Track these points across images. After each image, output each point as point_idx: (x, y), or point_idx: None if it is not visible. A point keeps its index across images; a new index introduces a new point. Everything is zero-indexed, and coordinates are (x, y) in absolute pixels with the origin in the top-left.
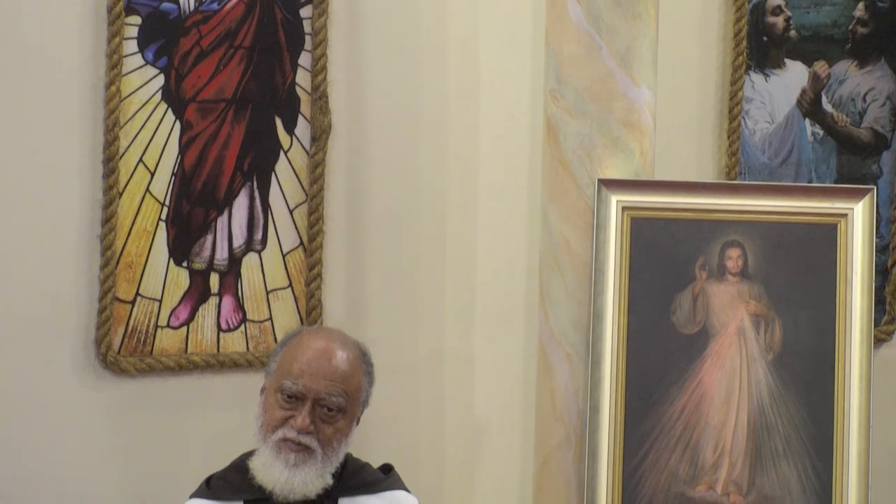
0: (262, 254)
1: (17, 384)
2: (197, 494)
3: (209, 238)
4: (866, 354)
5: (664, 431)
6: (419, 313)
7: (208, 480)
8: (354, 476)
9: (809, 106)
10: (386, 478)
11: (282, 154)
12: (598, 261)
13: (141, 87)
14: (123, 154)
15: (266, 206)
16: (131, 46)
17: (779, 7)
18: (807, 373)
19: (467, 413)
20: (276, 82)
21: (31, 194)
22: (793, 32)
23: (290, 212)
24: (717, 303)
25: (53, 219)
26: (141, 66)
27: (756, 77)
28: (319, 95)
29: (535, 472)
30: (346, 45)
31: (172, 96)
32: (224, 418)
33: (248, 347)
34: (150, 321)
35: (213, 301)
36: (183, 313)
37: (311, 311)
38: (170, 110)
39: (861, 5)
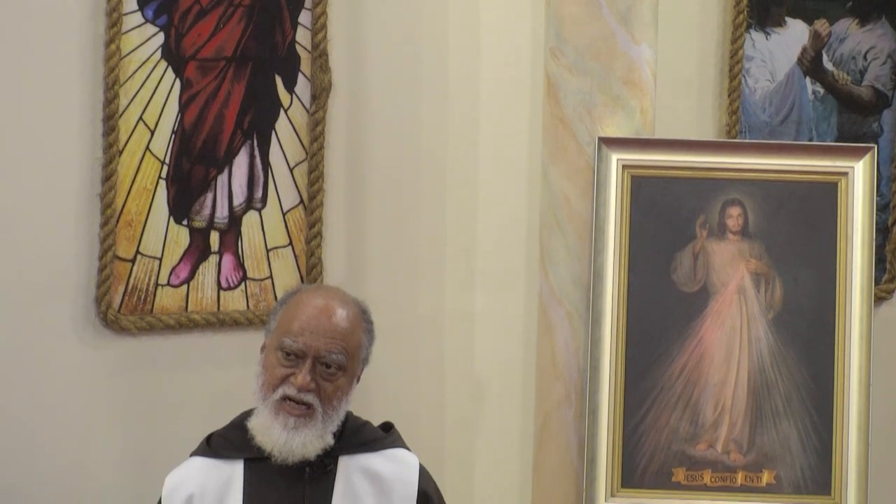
0: (263, 212)
1: (18, 343)
2: (197, 453)
3: (209, 196)
4: (866, 313)
5: (664, 390)
6: (419, 271)
7: (209, 439)
8: (355, 434)
9: (810, 64)
10: (386, 436)
11: (282, 112)
12: (598, 219)
13: (141, 45)
14: (123, 112)
15: (266, 165)
16: (131, 4)
17: None
18: (807, 331)
19: (468, 371)
20: (276, 40)
21: (32, 153)
22: None
23: (291, 170)
24: (717, 261)
25: (53, 177)
26: (141, 25)
27: (756, 35)
28: (319, 53)
29: (536, 431)
30: (345, 3)
31: (172, 54)
32: (224, 377)
33: (248, 306)
34: (150, 279)
35: (213, 259)
36: (183, 271)
37: (311, 270)
38: (170, 68)
39: None
